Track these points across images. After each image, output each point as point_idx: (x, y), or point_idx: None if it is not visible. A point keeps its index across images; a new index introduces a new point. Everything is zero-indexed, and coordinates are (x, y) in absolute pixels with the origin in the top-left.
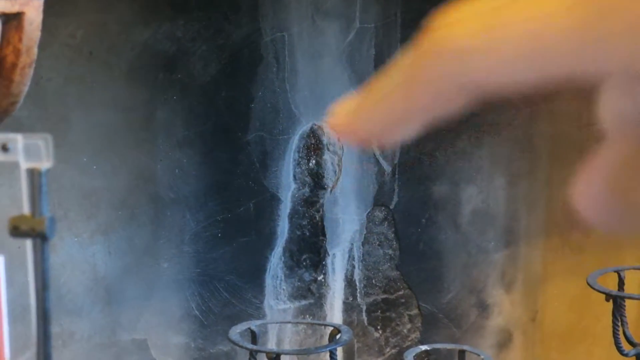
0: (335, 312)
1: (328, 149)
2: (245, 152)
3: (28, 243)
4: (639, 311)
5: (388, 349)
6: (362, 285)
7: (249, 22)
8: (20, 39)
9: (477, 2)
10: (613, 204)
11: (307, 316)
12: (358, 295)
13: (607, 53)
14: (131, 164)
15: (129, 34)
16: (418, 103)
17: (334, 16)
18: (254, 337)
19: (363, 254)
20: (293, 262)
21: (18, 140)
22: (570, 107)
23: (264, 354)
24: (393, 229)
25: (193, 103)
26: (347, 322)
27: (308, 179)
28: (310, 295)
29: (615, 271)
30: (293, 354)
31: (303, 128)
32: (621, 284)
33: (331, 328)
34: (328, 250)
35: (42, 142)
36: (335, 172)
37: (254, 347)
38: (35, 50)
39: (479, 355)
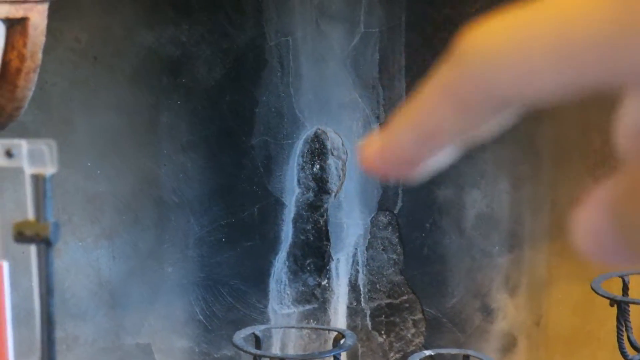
0: (339, 317)
1: (332, 154)
2: (249, 156)
3: (32, 248)
4: None
5: (392, 354)
6: (366, 290)
7: (254, 27)
8: (24, 44)
9: (505, 15)
10: (617, 239)
11: (311, 321)
12: (362, 299)
13: (632, 63)
14: (135, 168)
15: (133, 38)
16: (450, 122)
17: (339, 20)
18: (258, 341)
19: (367, 259)
20: (297, 266)
21: (22, 145)
22: (574, 111)
23: (268, 359)
24: (397, 234)
25: (197, 107)
26: (351, 326)
27: (312, 184)
28: (314, 299)
29: (619, 276)
30: (297, 359)
31: (307, 132)
32: (625, 289)
33: (335, 333)
34: (332, 254)
35: (47, 148)
36: (339, 176)
37: (258, 352)
38: (39, 55)
39: (483, 359)
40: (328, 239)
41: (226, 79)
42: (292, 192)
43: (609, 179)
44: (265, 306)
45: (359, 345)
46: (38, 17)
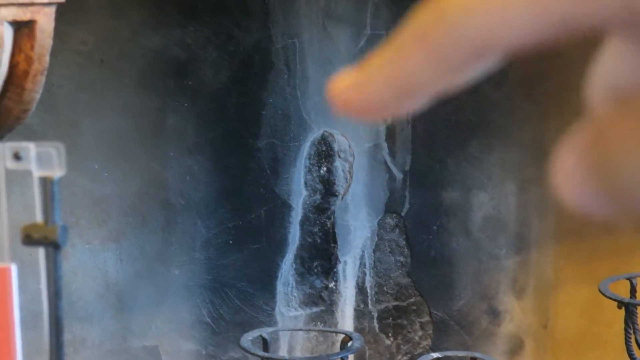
0: (346, 320)
1: (339, 156)
2: (256, 158)
3: (40, 251)
4: None
5: (399, 357)
6: (373, 292)
7: (260, 29)
8: (32, 47)
9: None
10: (594, 185)
11: (319, 323)
12: (369, 302)
13: None
14: (142, 170)
15: (139, 40)
16: (426, 70)
17: (345, 23)
18: (265, 344)
19: (374, 261)
20: (304, 269)
21: (30, 148)
22: (581, 111)
23: None
24: (404, 236)
25: (204, 109)
26: (359, 329)
27: (319, 186)
28: (321, 302)
29: (627, 278)
30: None
31: (314, 135)
32: (633, 291)
33: (342, 335)
34: (339, 257)
35: (55, 151)
36: (346, 179)
37: (266, 355)
38: (47, 58)
39: None
40: (335, 242)
41: (232, 81)
42: (299, 195)
43: (583, 127)
44: (273, 308)
45: (366, 348)
46: (45, 20)
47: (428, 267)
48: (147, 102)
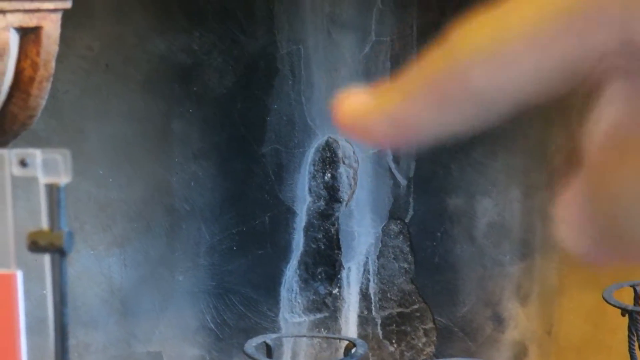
0: (350, 326)
1: (343, 162)
2: (260, 164)
3: (46, 258)
4: None
5: None
6: (377, 298)
7: (265, 35)
8: (38, 53)
9: (487, 11)
10: (596, 232)
11: (322, 329)
12: (373, 308)
13: (600, 28)
14: (147, 176)
15: (145, 46)
16: (436, 112)
17: (350, 29)
18: (269, 350)
19: (378, 268)
20: (308, 275)
21: (37, 155)
22: (585, 116)
23: None
24: (408, 242)
25: (209, 115)
26: (362, 335)
27: (323, 192)
28: (325, 308)
29: (631, 286)
30: None
31: (319, 141)
32: (637, 298)
33: (346, 342)
34: (343, 263)
35: (61, 157)
36: (350, 185)
37: None
38: (52, 64)
39: None
40: (339, 248)
41: (237, 86)
42: (304, 201)
43: (583, 174)
44: (276, 314)
45: (370, 354)
46: (51, 26)
47: (432, 274)
48: (152, 107)
